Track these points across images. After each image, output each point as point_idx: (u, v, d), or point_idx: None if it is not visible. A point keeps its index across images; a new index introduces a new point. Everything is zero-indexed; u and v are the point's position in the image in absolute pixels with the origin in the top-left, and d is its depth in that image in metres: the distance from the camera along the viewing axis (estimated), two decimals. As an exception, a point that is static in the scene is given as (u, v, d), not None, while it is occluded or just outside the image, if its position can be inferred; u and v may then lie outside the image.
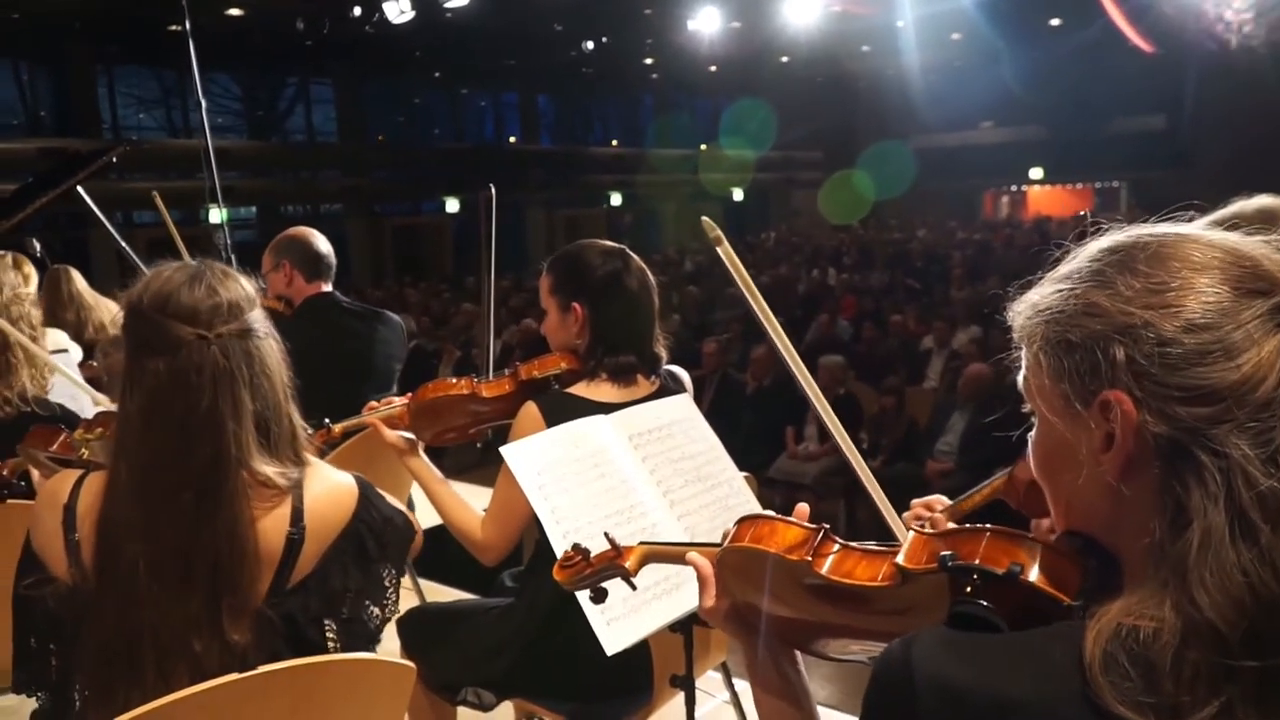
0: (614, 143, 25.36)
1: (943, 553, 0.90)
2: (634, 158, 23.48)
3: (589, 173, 22.95)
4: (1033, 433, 0.95)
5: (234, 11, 15.38)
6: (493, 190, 3.53)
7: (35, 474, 2.10)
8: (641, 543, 1.35)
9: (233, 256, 4.45)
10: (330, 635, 1.48)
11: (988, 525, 0.92)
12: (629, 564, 1.34)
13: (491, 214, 3.56)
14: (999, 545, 0.89)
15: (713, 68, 21.20)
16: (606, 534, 1.36)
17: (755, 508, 2.02)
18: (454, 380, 2.32)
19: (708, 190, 25.71)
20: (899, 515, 1.59)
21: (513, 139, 25.31)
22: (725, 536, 1.16)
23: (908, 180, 23.42)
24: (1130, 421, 0.81)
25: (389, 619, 1.57)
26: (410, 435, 2.30)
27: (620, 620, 1.74)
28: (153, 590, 1.38)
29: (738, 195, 27.49)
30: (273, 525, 1.47)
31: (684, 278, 15.20)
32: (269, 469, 1.46)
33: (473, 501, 2.25)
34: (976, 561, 0.88)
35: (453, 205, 22.56)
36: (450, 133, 24.72)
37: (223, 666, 1.37)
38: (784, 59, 20.82)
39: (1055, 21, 20.10)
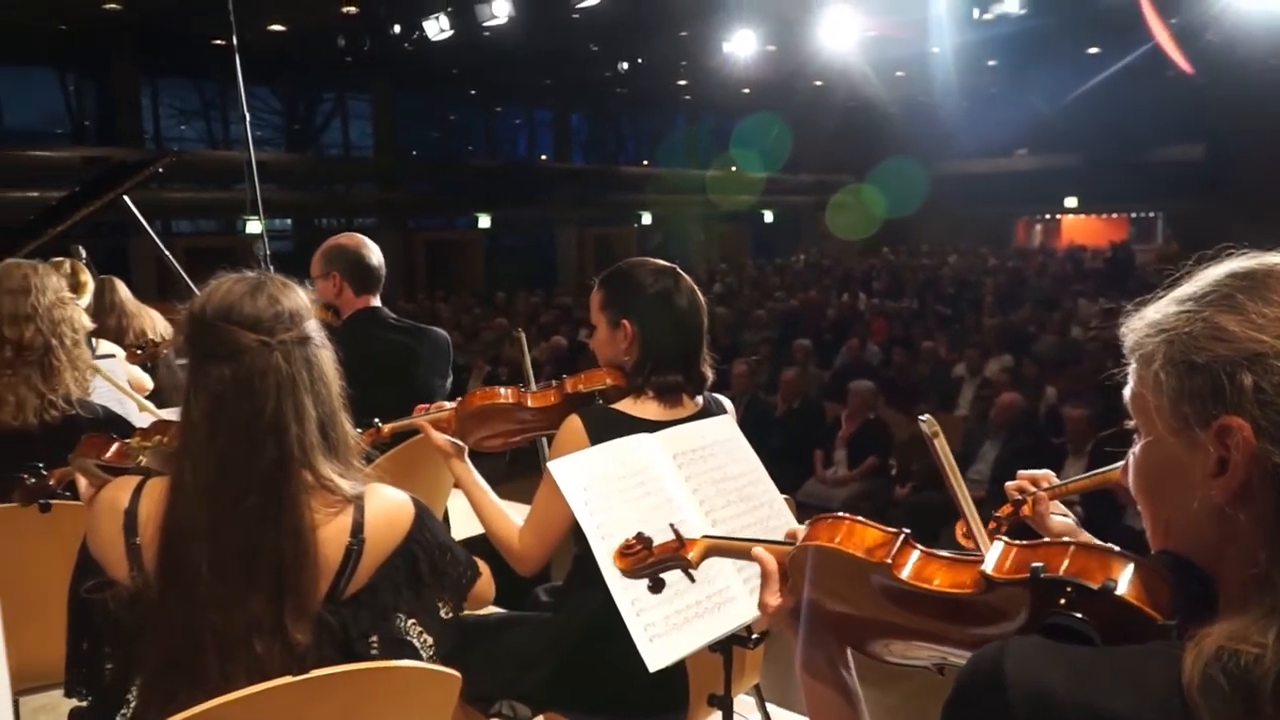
0: (645, 162, 25.46)
1: (1034, 564, 0.91)
2: (666, 177, 23.56)
3: (620, 191, 23.05)
4: (1135, 449, 0.95)
5: (276, 27, 15.62)
6: None
7: (82, 483, 2.13)
8: (705, 536, 1.37)
9: (271, 267, 4.51)
10: (374, 652, 1.50)
11: (1071, 540, 0.93)
12: (692, 555, 1.35)
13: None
14: (1092, 559, 0.90)
15: (746, 90, 21.29)
16: (671, 525, 1.37)
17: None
18: (502, 389, 2.35)
19: (737, 211, 25.75)
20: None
21: (544, 156, 25.50)
22: (793, 536, 1.17)
23: (918, 198, 23.34)
24: (1249, 449, 0.81)
25: (440, 652, 1.57)
26: (457, 440, 2.33)
27: (662, 637, 1.74)
28: (216, 592, 1.40)
29: (768, 217, 27.52)
30: (334, 534, 1.49)
31: (713, 298, 15.22)
32: (331, 471, 1.48)
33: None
34: (1070, 574, 0.89)
35: (485, 221, 22.73)
36: (484, 149, 24.94)
37: (283, 667, 1.39)
38: (818, 83, 20.87)
39: (1093, 50, 20.02)
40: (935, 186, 24.51)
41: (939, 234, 24.22)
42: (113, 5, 14.44)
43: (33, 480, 2.12)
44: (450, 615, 1.61)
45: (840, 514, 1.14)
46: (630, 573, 1.39)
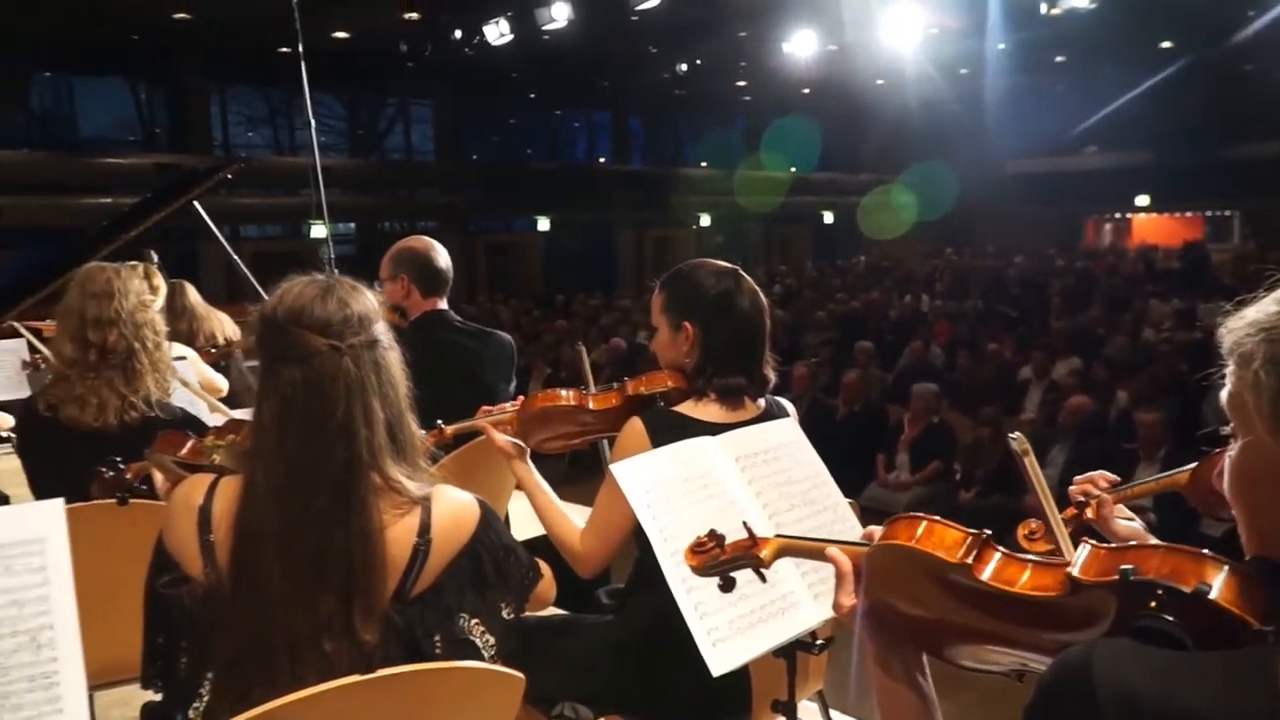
0: (704, 164, 25.41)
1: (1124, 566, 0.89)
2: (724, 179, 23.49)
3: (679, 193, 23.04)
4: (1232, 451, 0.92)
5: (340, 34, 15.89)
6: None
7: (159, 478, 2.18)
8: (778, 535, 1.35)
9: (335, 270, 4.57)
10: (438, 652, 1.50)
11: (1161, 542, 0.91)
12: (765, 554, 1.34)
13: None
14: (1184, 562, 0.88)
15: (805, 90, 21.14)
16: (745, 523, 1.36)
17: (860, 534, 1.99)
18: (563, 391, 2.35)
19: (798, 212, 25.58)
20: None
21: (603, 159, 25.59)
22: (869, 537, 1.16)
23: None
24: None
25: (502, 652, 1.58)
26: (519, 441, 2.34)
27: (726, 642, 1.73)
28: (287, 592, 1.42)
29: (828, 218, 27.29)
30: (401, 534, 1.50)
31: (773, 300, 15.08)
32: (400, 473, 1.49)
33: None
34: (1162, 577, 0.86)
35: (544, 224, 22.88)
36: (543, 152, 25.11)
37: (351, 667, 1.41)
38: (879, 82, 20.64)
39: (1165, 44, 19.52)
40: (1000, 186, 24.09)
41: (1003, 234, 23.78)
42: (182, 15, 14.80)
43: (110, 474, 2.17)
44: (512, 616, 1.61)
45: (918, 514, 1.12)
46: (702, 570, 1.38)
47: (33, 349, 4.30)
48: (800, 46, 15.01)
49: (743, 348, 2.23)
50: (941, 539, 1.07)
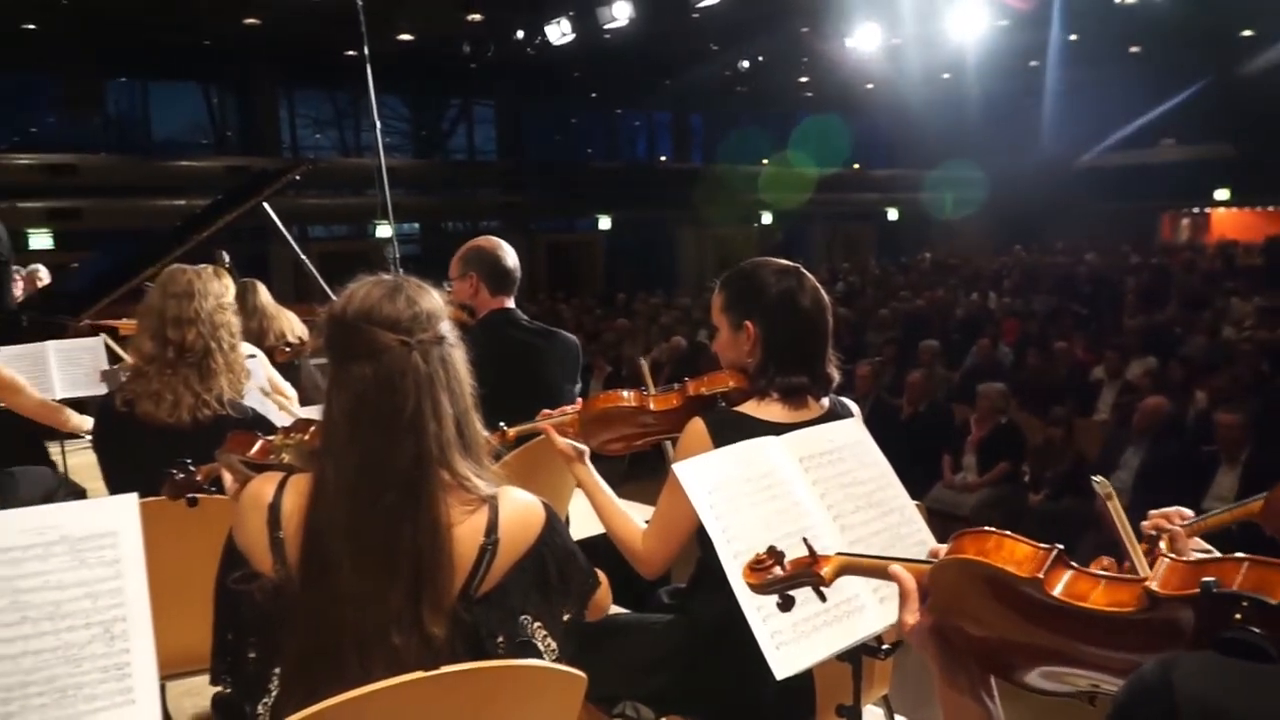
0: (764, 161, 25.26)
1: (1205, 579, 0.86)
2: (785, 176, 23.32)
3: (740, 191, 22.94)
4: None
5: (404, 36, 16.11)
6: None
7: (228, 478, 2.22)
8: (839, 553, 1.32)
9: (400, 269, 4.63)
10: (500, 652, 1.51)
11: (1243, 554, 0.87)
12: (825, 572, 1.31)
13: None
14: (1269, 574, 0.85)
15: (869, 85, 20.89)
16: (805, 540, 1.34)
17: (928, 538, 1.95)
18: (624, 392, 2.35)
19: (862, 209, 25.30)
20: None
21: (663, 158, 25.58)
22: (934, 554, 1.13)
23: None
24: None
25: (561, 657, 1.57)
26: (579, 444, 2.34)
27: (790, 645, 1.70)
28: (356, 587, 1.43)
29: (892, 214, 26.96)
30: (469, 532, 1.50)
31: (835, 298, 14.92)
32: (467, 469, 1.50)
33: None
34: (1246, 589, 0.83)
35: (605, 223, 22.94)
36: (604, 151, 25.18)
37: (420, 662, 1.41)
38: (945, 75, 20.32)
39: (1247, 32, 18.89)
40: (1071, 181, 23.54)
41: (1074, 231, 23.23)
42: (252, 21, 15.13)
43: (181, 476, 2.22)
44: (570, 621, 1.61)
45: (987, 528, 1.09)
46: (760, 588, 1.35)
47: (110, 350, 4.42)
48: (863, 41, 14.82)
49: (805, 346, 2.20)
50: (1012, 553, 1.04)
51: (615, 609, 2.48)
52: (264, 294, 4.79)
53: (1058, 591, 0.98)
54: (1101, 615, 0.95)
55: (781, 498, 1.86)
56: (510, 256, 3.49)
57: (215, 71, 18.80)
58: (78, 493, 4.02)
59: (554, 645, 1.56)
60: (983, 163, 23.15)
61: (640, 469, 6.80)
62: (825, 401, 2.24)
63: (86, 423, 3.77)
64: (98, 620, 1.50)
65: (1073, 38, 17.79)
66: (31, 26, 15.07)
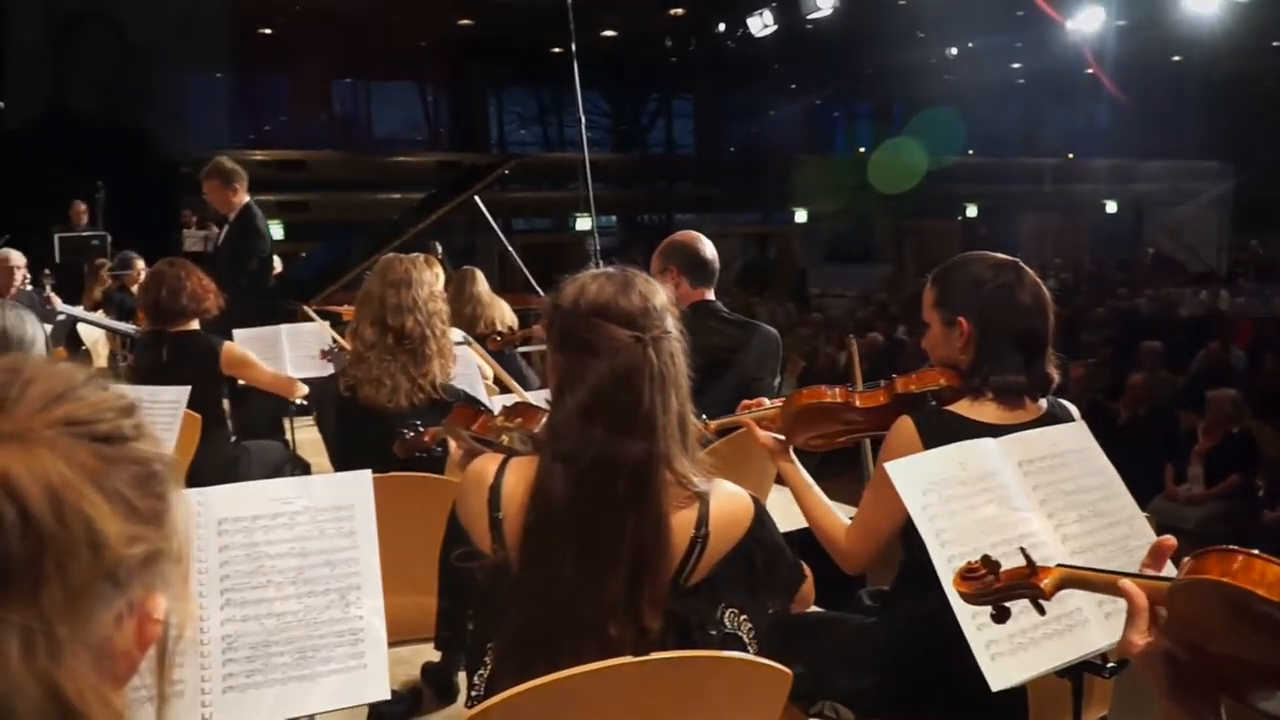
0: (970, 151, 24.25)
1: None
2: (993, 166, 22.32)
3: (941, 182, 22.13)
4: None
5: (608, 33, 16.44)
6: None
7: (453, 445, 2.35)
8: (1060, 565, 1.25)
9: (600, 262, 4.73)
10: (708, 644, 1.51)
11: None
12: (1044, 584, 1.24)
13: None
14: None
15: (1088, 70, 19.69)
16: (1022, 549, 1.27)
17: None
18: (828, 388, 2.30)
19: (1075, 201, 23.91)
20: None
21: (862, 149, 25.00)
22: (1143, 566, 1.08)
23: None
24: None
25: (764, 650, 1.57)
26: (781, 437, 2.32)
27: (1006, 656, 1.62)
28: (577, 574, 1.47)
29: (1110, 208, 25.33)
30: (682, 524, 1.52)
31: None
32: (685, 462, 1.52)
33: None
34: None
35: (801, 216, 22.66)
36: (803, 143, 24.87)
37: (633, 651, 1.44)
38: (1176, 58, 18.89)
39: None
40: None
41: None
42: (465, 21, 15.83)
43: (411, 435, 2.37)
44: (775, 615, 1.60)
45: (1231, 546, 1.01)
46: (972, 598, 1.29)
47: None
48: (1085, 23, 13.96)
49: (1023, 345, 2.09)
50: (1262, 575, 0.96)
51: (815, 608, 2.45)
52: (481, 282, 4.99)
53: None
54: None
55: (999, 503, 1.78)
56: (708, 249, 3.50)
57: (430, 71, 19.78)
58: (304, 467, 4.34)
59: (756, 638, 1.55)
60: (1213, 152, 21.36)
61: (833, 465, 6.68)
62: (1043, 403, 2.13)
63: (303, 389, 4.06)
64: (335, 587, 1.60)
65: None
66: (267, 31, 16.35)
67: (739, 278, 20.43)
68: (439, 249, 6.43)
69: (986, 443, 1.87)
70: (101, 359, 6.79)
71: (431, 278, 3.11)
